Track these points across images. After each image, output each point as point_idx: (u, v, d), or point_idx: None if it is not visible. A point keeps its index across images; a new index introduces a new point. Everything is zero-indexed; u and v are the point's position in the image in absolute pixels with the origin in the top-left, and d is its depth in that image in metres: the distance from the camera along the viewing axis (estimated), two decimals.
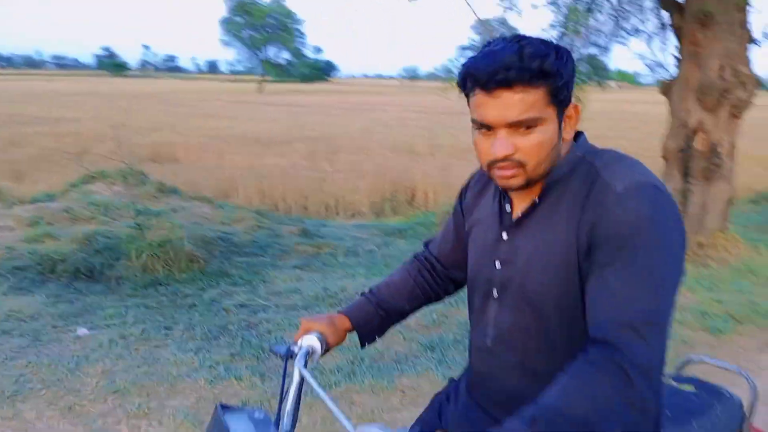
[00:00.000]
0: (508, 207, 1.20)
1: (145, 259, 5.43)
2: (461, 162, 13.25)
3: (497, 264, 1.19)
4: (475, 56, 1.08)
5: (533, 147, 1.06)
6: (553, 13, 6.76)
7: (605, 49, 7.80)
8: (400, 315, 1.46)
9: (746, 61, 5.43)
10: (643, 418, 1.02)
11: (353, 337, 1.43)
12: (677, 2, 5.78)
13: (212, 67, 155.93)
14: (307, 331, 1.34)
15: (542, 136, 1.06)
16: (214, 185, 11.30)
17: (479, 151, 1.12)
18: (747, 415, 1.53)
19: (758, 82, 5.48)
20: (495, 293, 1.20)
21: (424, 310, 4.16)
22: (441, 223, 8.74)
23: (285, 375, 1.27)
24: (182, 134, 17.48)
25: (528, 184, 1.11)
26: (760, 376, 3.27)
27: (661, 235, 1.00)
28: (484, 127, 1.08)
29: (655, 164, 7.75)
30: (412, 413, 2.85)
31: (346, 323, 1.39)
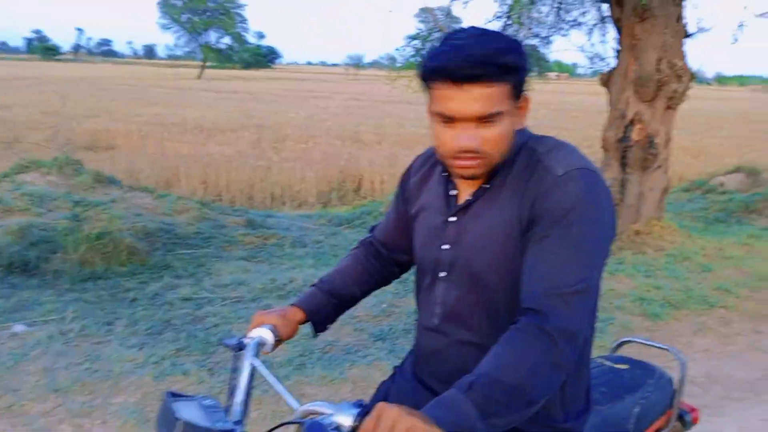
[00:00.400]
0: (453, 191, 1.25)
1: (83, 252, 5.24)
2: (407, 151, 13.30)
3: (445, 246, 1.24)
4: (442, 49, 1.10)
5: (495, 139, 1.11)
6: (496, 3, 6.83)
7: (547, 41, 7.96)
8: (351, 301, 1.49)
9: (681, 55, 5.63)
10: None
11: (304, 329, 1.44)
12: None
13: (149, 52, 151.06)
14: (259, 324, 1.35)
15: (503, 128, 1.11)
16: (155, 175, 10.99)
17: (441, 142, 1.15)
18: (677, 390, 1.61)
19: (693, 75, 5.70)
20: (442, 273, 1.24)
21: (374, 301, 4.20)
22: None
23: (235, 366, 1.27)
24: (120, 121, 16.89)
25: (488, 171, 1.17)
26: (694, 359, 3.44)
27: (594, 214, 1.08)
28: (447, 119, 1.10)
29: (594, 154, 7.98)
30: None
31: (299, 314, 1.40)
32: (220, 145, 13.93)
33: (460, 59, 1.05)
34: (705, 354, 3.49)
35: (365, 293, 1.51)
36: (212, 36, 61.51)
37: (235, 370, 1.27)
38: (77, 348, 3.33)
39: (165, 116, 18.92)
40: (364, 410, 0.97)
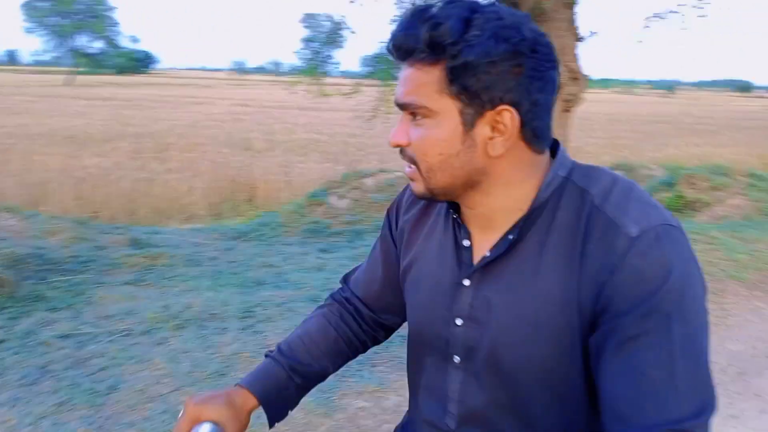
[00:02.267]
0: (466, 241, 0.92)
1: None
2: (301, 158, 12.94)
3: (458, 321, 0.91)
4: None
5: (418, 143, 0.84)
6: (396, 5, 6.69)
7: None
8: (320, 377, 1.12)
9: (576, 58, 5.72)
10: None
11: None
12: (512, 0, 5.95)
13: (11, 58, 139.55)
14: (196, 421, 0.95)
15: (429, 132, 0.82)
16: (21, 192, 9.90)
17: None
18: None
19: (587, 78, 5.80)
20: (456, 359, 0.92)
21: (287, 325, 3.84)
22: (287, 223, 8.39)
23: None
24: None
25: (432, 195, 0.88)
26: None
27: (692, 293, 0.77)
28: None
29: None
30: None
31: (250, 401, 1.02)
32: (95, 156, 12.85)
33: (394, 29, 0.83)
34: None
35: (339, 366, 1.14)
36: (82, 40, 57.74)
37: None
38: None
39: (30, 127, 17.31)
40: None
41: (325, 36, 6.63)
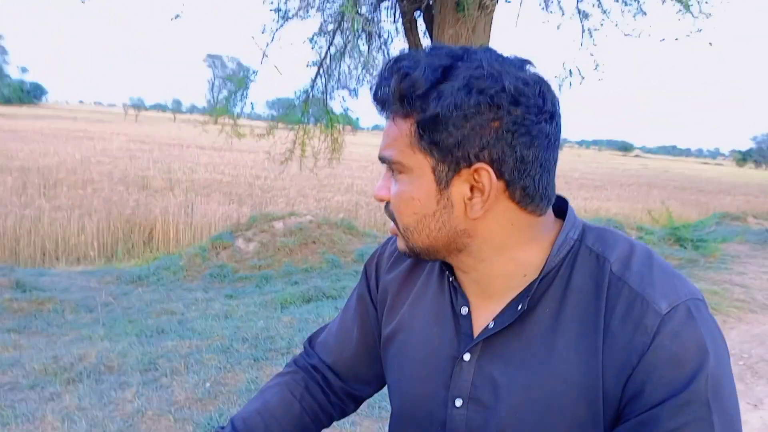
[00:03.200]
0: (464, 308, 0.81)
1: None
2: (204, 198, 12.49)
3: (457, 401, 0.79)
4: None
5: (395, 200, 0.77)
6: (313, 51, 6.67)
7: (355, 93, 7.97)
8: None
9: None
10: None
11: None
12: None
13: None
14: None
15: (404, 189, 0.75)
16: None
17: None
18: None
19: None
20: None
21: (194, 379, 3.56)
22: (189, 267, 7.99)
23: None
24: None
25: (415, 254, 0.79)
26: None
27: (728, 378, 0.70)
28: None
29: None
30: None
31: None
32: None
33: (377, 77, 0.77)
34: None
35: None
36: None
37: None
38: None
39: None
40: None
41: (237, 77, 6.45)
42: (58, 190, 12.48)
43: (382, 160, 0.77)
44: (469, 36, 5.60)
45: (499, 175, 0.71)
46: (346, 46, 7.25)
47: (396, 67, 0.72)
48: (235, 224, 8.97)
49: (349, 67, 7.28)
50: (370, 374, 0.97)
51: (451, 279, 0.83)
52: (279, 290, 6.60)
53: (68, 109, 78.62)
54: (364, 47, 7.64)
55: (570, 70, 6.44)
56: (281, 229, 8.29)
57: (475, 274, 0.79)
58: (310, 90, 7.23)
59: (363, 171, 21.03)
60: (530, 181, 0.73)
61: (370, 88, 0.77)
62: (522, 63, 0.73)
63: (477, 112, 0.69)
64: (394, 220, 0.79)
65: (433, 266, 0.88)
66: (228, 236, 8.39)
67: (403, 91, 0.71)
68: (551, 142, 0.73)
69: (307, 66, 7.09)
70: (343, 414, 1.03)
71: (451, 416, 0.79)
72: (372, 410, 3.02)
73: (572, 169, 36.37)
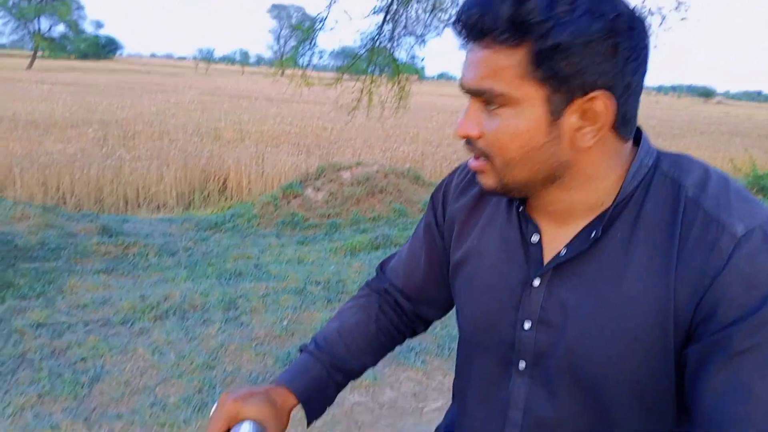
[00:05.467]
0: (535, 236, 0.83)
1: None
2: (273, 149, 12.76)
3: (526, 324, 0.82)
4: None
5: (494, 135, 0.74)
6: None
7: (422, 40, 7.87)
8: (359, 374, 1.03)
9: None
10: None
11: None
12: None
13: None
14: (235, 420, 0.85)
15: (509, 123, 0.72)
16: None
17: None
18: None
19: None
20: (521, 365, 0.83)
21: (273, 317, 3.75)
22: (262, 215, 8.26)
23: None
24: None
25: (506, 190, 0.78)
26: None
27: None
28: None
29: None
30: None
31: (290, 400, 0.93)
32: (59, 142, 12.45)
33: (466, 2, 0.73)
34: None
35: (377, 361, 1.05)
36: (45, 24, 56.00)
37: None
38: None
39: None
40: None
41: (305, 26, 6.47)
42: (136, 141, 13.02)
43: (477, 92, 0.74)
44: None
45: (615, 101, 0.71)
46: None
47: None
48: (304, 174, 9.15)
49: (416, 12, 7.17)
50: (438, 298, 1.02)
51: (521, 209, 0.84)
52: (348, 238, 6.76)
53: (141, 63, 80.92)
54: None
55: (650, 10, 6.14)
56: (348, 179, 8.41)
57: (556, 205, 0.79)
58: (376, 37, 7.17)
59: (428, 121, 20.84)
60: (631, 108, 0.73)
61: (458, 13, 0.74)
62: None
63: (598, 39, 0.67)
64: (487, 156, 0.77)
65: (502, 201, 0.89)
66: (298, 185, 8.58)
67: (520, 17, 0.67)
68: (647, 67, 0.73)
69: (374, 12, 7.01)
70: (414, 333, 1.09)
71: (520, 338, 0.82)
72: (441, 350, 3.11)
73: (649, 117, 34.86)
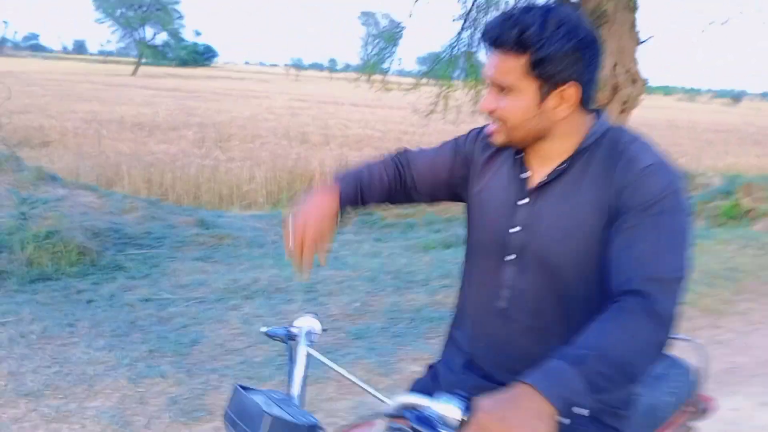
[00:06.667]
0: (525, 174, 1.25)
1: (31, 252, 4.97)
2: (356, 153, 13.28)
3: (514, 229, 1.23)
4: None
5: (507, 110, 1.17)
6: (458, 2, 6.90)
7: None
8: (366, 203, 1.41)
9: (635, 61, 5.83)
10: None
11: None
12: (574, 1, 6.10)
13: (79, 47, 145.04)
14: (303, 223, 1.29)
15: (514, 103, 1.15)
16: (95, 173, 10.56)
17: None
18: (700, 379, 1.67)
19: (645, 81, 5.91)
20: (510, 257, 1.23)
21: (347, 299, 4.15)
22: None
23: (290, 356, 1.26)
24: (54, 117, 16.15)
25: (511, 144, 1.23)
26: None
27: (681, 205, 1.10)
28: (486, 81, 1.20)
29: None
30: (349, 402, 2.82)
31: (334, 205, 1.31)
32: (162, 143, 13.51)
33: (488, 24, 1.16)
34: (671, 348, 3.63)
35: (377, 204, 1.44)
36: (148, 32, 59.70)
37: (291, 360, 1.25)
38: (42, 350, 3.14)
39: (101, 113, 18.22)
40: (468, 403, 0.92)
41: (386, 33, 6.87)
42: (231, 143, 13.91)
43: (495, 83, 1.16)
44: None
45: (580, 89, 1.14)
46: None
47: (513, 20, 1.11)
48: None
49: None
50: (432, 191, 1.41)
51: (519, 156, 1.26)
52: (422, 236, 7.10)
53: (236, 70, 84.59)
54: None
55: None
56: None
57: (542, 151, 1.22)
58: (454, 44, 7.46)
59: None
60: (591, 92, 1.18)
61: (485, 32, 1.16)
62: (580, 13, 1.18)
63: (571, 51, 1.10)
64: (501, 122, 1.18)
65: (508, 154, 1.30)
66: None
67: (521, 38, 1.09)
68: (599, 66, 1.18)
69: (453, 20, 7.30)
70: (400, 202, 1.47)
71: (510, 238, 1.23)
72: None
73: (747, 123, 33.19)
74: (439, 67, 7.63)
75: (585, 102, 1.17)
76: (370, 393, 1.13)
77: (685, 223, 1.10)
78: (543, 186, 1.21)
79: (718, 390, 3.24)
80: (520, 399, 0.89)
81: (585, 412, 0.95)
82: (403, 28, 6.75)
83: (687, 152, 17.39)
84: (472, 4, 7.29)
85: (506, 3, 7.44)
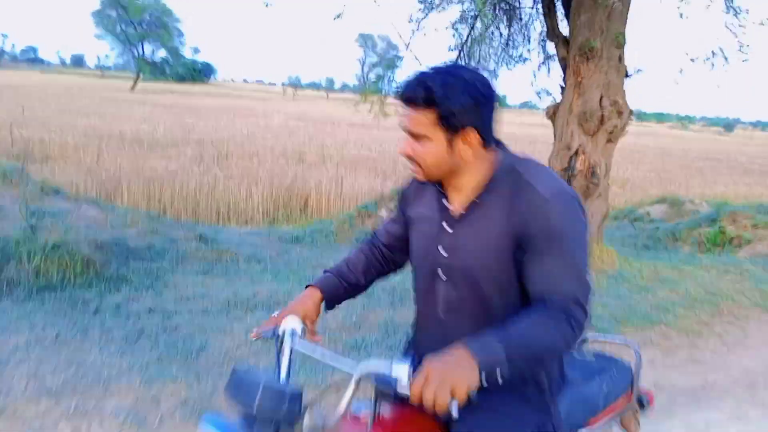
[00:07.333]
0: (446, 203, 1.51)
1: (38, 263, 5.16)
2: (352, 173, 13.53)
3: (442, 251, 1.49)
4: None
5: (422, 154, 1.42)
6: (454, 37, 7.21)
7: (494, 74, 8.39)
8: (356, 288, 1.74)
9: (622, 93, 6.12)
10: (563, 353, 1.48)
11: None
12: (563, 36, 6.40)
13: (78, 61, 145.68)
14: (286, 314, 1.58)
15: (427, 149, 1.40)
16: (96, 187, 10.75)
17: None
18: (635, 375, 1.93)
19: (631, 112, 6.20)
20: (442, 275, 1.50)
21: (344, 313, 4.36)
22: (339, 232, 8.96)
23: (278, 351, 1.52)
24: (53, 131, 16.34)
25: (429, 179, 1.48)
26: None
27: (579, 232, 1.38)
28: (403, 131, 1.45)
29: None
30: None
31: (317, 294, 1.65)
32: (161, 159, 13.72)
33: (404, 84, 1.40)
34: (650, 364, 3.83)
35: (368, 284, 1.75)
36: (147, 48, 60.12)
37: (278, 357, 1.51)
38: (57, 354, 3.33)
39: (100, 128, 18.42)
40: (417, 364, 1.23)
41: (385, 58, 7.16)
42: (229, 160, 14.13)
43: (411, 133, 1.40)
44: (603, 21, 5.83)
45: (479, 134, 1.39)
46: (487, 29, 7.66)
47: (420, 81, 1.35)
48: (379, 196, 9.79)
49: (488, 51, 7.71)
50: (404, 248, 1.68)
51: (440, 190, 1.51)
52: None
53: (233, 87, 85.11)
54: (504, 31, 8.03)
55: (713, 51, 6.42)
56: None
57: (457, 185, 1.47)
58: None
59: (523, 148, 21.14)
60: (489, 135, 1.42)
61: (399, 91, 1.40)
62: (479, 70, 1.43)
63: (469, 105, 1.35)
64: (419, 165, 1.43)
65: (431, 189, 1.55)
66: (373, 206, 9.23)
67: (429, 97, 1.34)
68: (494, 113, 1.43)
69: (449, 50, 7.59)
70: (391, 271, 1.79)
71: (440, 259, 1.50)
72: None
73: (740, 153, 33.73)
74: None
75: (486, 141, 1.42)
76: (338, 367, 1.39)
77: (583, 250, 1.39)
78: (462, 217, 1.46)
79: (693, 404, 3.48)
80: (457, 357, 1.24)
81: (500, 379, 1.25)
82: (401, 58, 7.04)
83: (676, 180, 17.74)
84: (467, 36, 7.60)
85: (500, 35, 7.76)
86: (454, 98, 1.34)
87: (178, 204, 10.71)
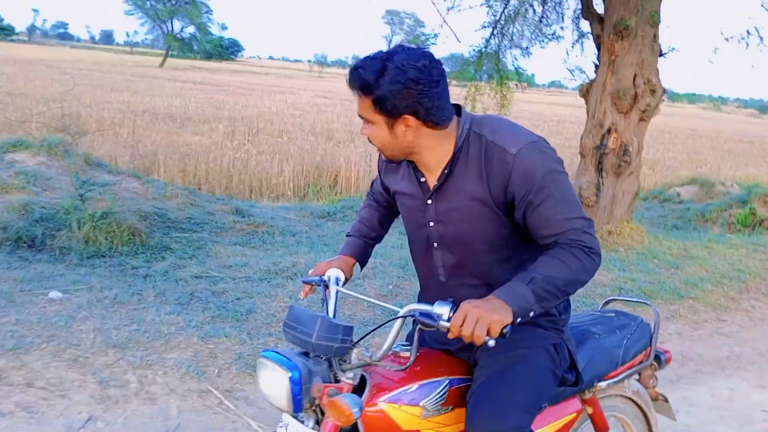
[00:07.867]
0: (423, 178, 1.61)
1: (88, 231, 5.42)
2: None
3: (431, 223, 1.61)
4: None
5: (373, 136, 1.53)
6: (488, 12, 7.25)
7: (527, 52, 8.42)
8: (379, 239, 1.96)
9: (656, 72, 6.16)
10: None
11: None
12: (598, 14, 6.43)
13: (107, 38, 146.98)
14: (323, 269, 1.80)
15: (374, 131, 1.50)
16: (134, 161, 11.04)
17: None
18: (654, 332, 2.08)
19: (664, 91, 6.24)
20: (435, 244, 1.63)
21: (381, 282, 4.55)
22: None
23: (324, 297, 1.73)
24: (89, 106, 16.71)
25: (391, 160, 1.60)
26: (670, 340, 3.91)
27: (556, 171, 1.48)
28: None
29: (573, 159, 8.43)
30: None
31: (351, 260, 1.85)
32: (195, 135, 14.00)
33: (349, 73, 1.48)
34: (678, 336, 3.97)
35: (386, 230, 1.95)
36: (176, 25, 60.48)
37: (325, 300, 1.70)
38: (118, 313, 3.57)
39: (133, 103, 18.77)
40: (455, 306, 1.39)
41: (417, 39, 7.23)
42: (260, 137, 14.36)
43: (361, 117, 1.50)
44: (638, 0, 5.85)
45: (417, 117, 1.46)
46: (521, 6, 7.69)
47: (357, 72, 1.44)
48: None
49: (521, 28, 7.74)
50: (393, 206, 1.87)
51: (413, 166, 1.61)
52: None
53: (260, 65, 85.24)
54: (538, 8, 8.05)
55: (748, 31, 6.41)
56: None
57: (422, 162, 1.57)
58: (483, 49, 7.80)
59: (534, 129, 21.06)
60: (434, 116, 1.47)
61: (347, 80, 1.48)
62: (421, 53, 1.45)
63: (400, 92, 1.41)
64: (374, 144, 1.54)
65: (405, 165, 1.66)
66: None
67: (363, 85, 1.44)
68: (439, 93, 1.46)
69: (482, 27, 7.64)
70: (396, 215, 1.92)
71: (431, 231, 1.62)
72: None
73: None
74: (465, 70, 7.96)
75: (433, 124, 1.48)
76: (386, 306, 1.61)
77: (567, 184, 1.50)
78: (438, 188, 1.57)
79: (719, 373, 3.61)
80: (491, 300, 1.39)
81: (532, 314, 1.41)
82: (436, 35, 7.12)
83: (707, 161, 17.55)
84: (500, 13, 7.64)
85: (534, 12, 7.79)
86: (384, 85, 1.40)
87: (212, 179, 10.97)
